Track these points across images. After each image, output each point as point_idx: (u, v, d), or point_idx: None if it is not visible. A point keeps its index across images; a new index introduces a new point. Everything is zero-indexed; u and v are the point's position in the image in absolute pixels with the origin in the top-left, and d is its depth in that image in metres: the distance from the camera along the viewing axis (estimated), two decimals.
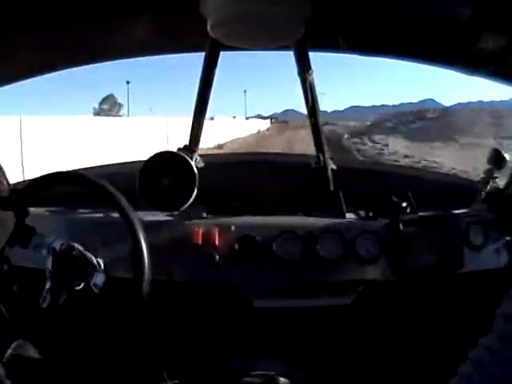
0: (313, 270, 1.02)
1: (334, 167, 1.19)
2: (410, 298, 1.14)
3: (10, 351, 0.81)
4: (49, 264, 0.83)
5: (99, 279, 0.82)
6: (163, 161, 1.06)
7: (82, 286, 0.83)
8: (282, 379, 0.83)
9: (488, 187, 1.14)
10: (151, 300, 0.82)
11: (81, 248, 0.84)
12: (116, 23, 0.95)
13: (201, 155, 1.15)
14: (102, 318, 0.95)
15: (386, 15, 0.90)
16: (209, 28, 0.89)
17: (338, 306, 1.05)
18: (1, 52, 0.93)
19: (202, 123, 1.15)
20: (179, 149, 1.12)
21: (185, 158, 1.06)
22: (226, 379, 0.90)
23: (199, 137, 1.16)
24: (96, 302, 0.95)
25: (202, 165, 1.12)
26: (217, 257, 1.00)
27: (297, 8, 0.85)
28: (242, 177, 1.22)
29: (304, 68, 1.09)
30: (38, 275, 0.85)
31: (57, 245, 0.84)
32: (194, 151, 1.13)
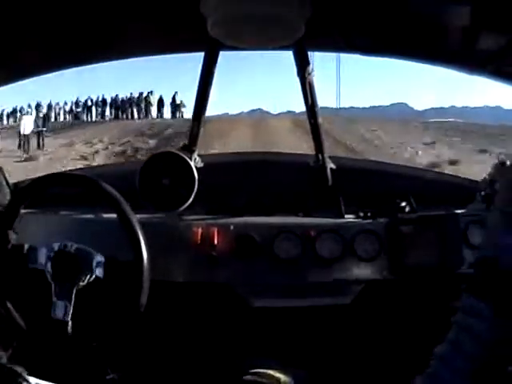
0: (312, 270, 1.03)
1: (333, 167, 1.19)
2: (408, 297, 1.14)
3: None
4: (49, 267, 0.84)
5: (99, 259, 0.84)
6: (163, 161, 1.06)
7: (86, 280, 0.84)
8: (284, 377, 0.83)
9: (487, 187, 1.14)
10: (151, 299, 0.83)
11: (76, 245, 0.85)
12: (116, 23, 0.95)
13: (200, 155, 1.15)
14: (102, 318, 0.95)
15: (386, 15, 0.90)
16: (209, 28, 0.89)
17: (338, 305, 1.05)
18: (1, 52, 0.93)
19: (202, 123, 1.15)
20: (179, 149, 1.12)
21: (184, 158, 1.06)
22: (227, 379, 0.90)
23: (198, 137, 1.16)
24: (96, 302, 0.96)
25: (201, 165, 1.12)
26: (216, 256, 1.00)
27: (297, 8, 0.85)
28: (242, 177, 1.22)
29: (303, 68, 1.09)
30: (40, 276, 0.85)
31: (54, 247, 0.85)
32: (193, 151, 1.13)
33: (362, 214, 1.10)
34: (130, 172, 1.04)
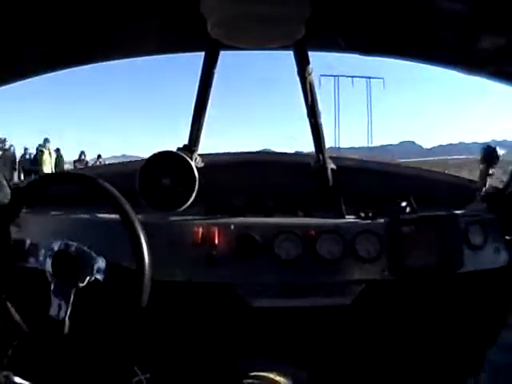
0: (312, 270, 1.03)
1: (334, 167, 1.19)
2: (409, 297, 1.14)
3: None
4: (49, 266, 0.84)
5: (100, 264, 0.83)
6: (163, 161, 1.06)
7: (86, 281, 0.84)
8: (284, 380, 0.83)
9: (487, 187, 1.14)
10: (151, 299, 0.82)
11: (76, 244, 0.84)
12: (116, 23, 0.95)
13: (201, 155, 1.15)
14: (102, 318, 0.95)
15: (386, 16, 0.90)
16: (209, 28, 0.89)
17: (338, 305, 1.05)
18: (1, 52, 0.93)
19: (202, 123, 1.15)
20: (179, 149, 1.12)
21: (185, 158, 1.06)
22: (227, 380, 0.90)
23: (199, 137, 1.16)
24: (96, 301, 0.96)
25: (201, 165, 1.12)
26: (216, 256, 1.00)
27: (297, 8, 0.85)
28: (242, 177, 1.22)
29: (304, 68, 1.09)
30: (38, 275, 0.85)
31: (55, 246, 0.85)
32: (193, 151, 1.13)
33: (362, 215, 1.09)
34: (130, 172, 1.04)
